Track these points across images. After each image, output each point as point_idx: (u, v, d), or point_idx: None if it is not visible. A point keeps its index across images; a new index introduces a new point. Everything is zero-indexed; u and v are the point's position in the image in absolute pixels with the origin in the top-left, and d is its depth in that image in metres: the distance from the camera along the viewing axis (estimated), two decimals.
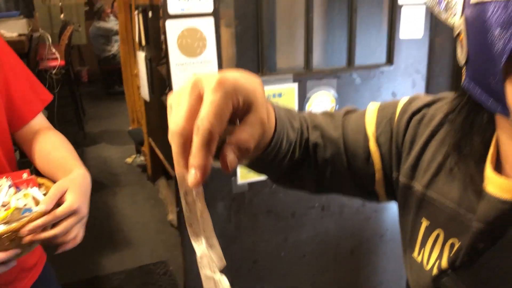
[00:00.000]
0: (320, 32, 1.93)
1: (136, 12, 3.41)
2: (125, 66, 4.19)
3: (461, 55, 0.51)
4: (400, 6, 1.91)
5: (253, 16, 1.77)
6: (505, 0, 0.42)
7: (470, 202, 0.58)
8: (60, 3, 7.06)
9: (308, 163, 0.72)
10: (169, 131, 0.44)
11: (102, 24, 6.93)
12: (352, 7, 1.88)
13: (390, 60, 1.97)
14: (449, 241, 0.60)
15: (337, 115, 0.75)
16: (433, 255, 0.62)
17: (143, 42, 3.36)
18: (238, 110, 0.44)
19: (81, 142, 5.07)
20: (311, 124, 0.73)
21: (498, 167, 0.56)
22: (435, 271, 0.61)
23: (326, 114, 0.75)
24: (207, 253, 0.46)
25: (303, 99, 1.90)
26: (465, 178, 0.58)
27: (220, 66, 1.73)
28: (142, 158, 4.47)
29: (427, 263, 0.63)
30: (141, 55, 3.42)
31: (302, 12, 1.84)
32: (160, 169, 3.94)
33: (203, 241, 0.46)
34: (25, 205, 0.86)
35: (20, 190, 0.91)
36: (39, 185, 0.95)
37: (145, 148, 4.09)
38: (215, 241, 0.46)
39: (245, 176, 1.86)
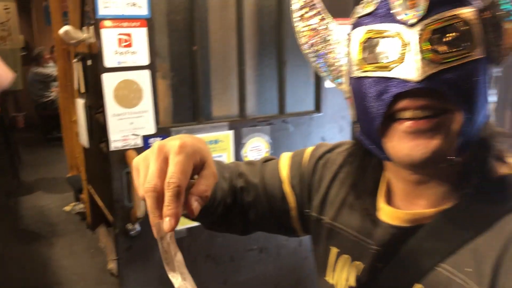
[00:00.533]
0: (253, 83, 2.06)
1: (75, 60, 3.42)
2: (64, 112, 4.14)
3: (352, 114, 0.65)
4: None
5: (188, 68, 1.87)
6: (376, 78, 0.57)
7: (368, 230, 0.70)
8: None
9: (236, 207, 0.81)
10: (141, 189, 0.53)
11: (40, 69, 6.81)
12: (281, 60, 2.03)
13: (318, 107, 2.12)
14: (355, 263, 0.72)
15: (257, 163, 0.86)
16: (343, 277, 0.73)
17: (82, 90, 3.37)
18: (196, 167, 0.55)
19: (15, 192, 4.85)
20: (235, 173, 0.83)
21: (388, 200, 0.69)
22: None
23: (248, 163, 0.86)
24: (183, 285, 0.54)
25: (238, 145, 2.00)
26: (362, 210, 0.71)
27: (156, 116, 1.80)
28: (81, 205, 4.35)
29: (338, 284, 0.74)
30: (80, 102, 3.41)
31: (235, 64, 1.97)
32: (100, 216, 3.85)
33: (179, 275, 0.55)
34: None
35: None
36: None
37: (84, 196, 4.00)
38: (188, 275, 0.56)
39: (183, 222, 1.90)
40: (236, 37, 1.94)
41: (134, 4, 1.67)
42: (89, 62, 3.23)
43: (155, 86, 1.78)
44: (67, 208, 4.47)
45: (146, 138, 1.79)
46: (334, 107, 2.14)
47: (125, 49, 1.68)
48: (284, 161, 0.84)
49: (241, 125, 1.98)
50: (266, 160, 0.87)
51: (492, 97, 0.61)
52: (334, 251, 0.76)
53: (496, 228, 0.58)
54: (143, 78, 1.73)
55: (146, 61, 1.72)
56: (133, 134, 1.76)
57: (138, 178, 0.55)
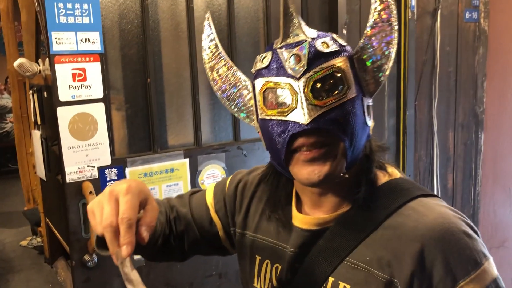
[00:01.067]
0: (208, 111, 2.13)
1: (30, 92, 3.40)
2: (19, 144, 4.06)
3: (264, 145, 0.80)
4: None
5: (142, 99, 1.93)
6: (277, 121, 0.73)
7: (284, 236, 0.84)
8: None
9: (172, 237, 0.93)
10: (99, 227, 0.65)
11: None
12: None
13: None
14: (275, 266, 0.85)
15: (185, 196, 1.01)
16: (266, 280, 0.86)
17: (39, 121, 3.34)
18: (141, 204, 0.68)
19: None
20: (168, 206, 0.96)
21: (300, 208, 0.85)
22: None
23: (178, 196, 1.02)
24: None
25: (194, 172, 2.05)
26: (278, 220, 0.86)
27: (112, 147, 1.83)
28: (38, 239, 4.24)
29: (264, 286, 0.87)
30: (36, 134, 3.37)
31: (189, 94, 2.03)
32: (58, 250, 3.76)
33: None
34: None
35: None
36: None
37: (42, 229, 3.91)
38: None
39: None
40: (190, 68, 2.01)
41: (87, 40, 1.72)
42: (45, 94, 3.22)
43: (110, 118, 1.82)
44: (24, 242, 4.35)
45: (102, 169, 1.81)
46: None
47: (80, 83, 1.72)
48: (210, 190, 1.00)
49: (196, 153, 2.04)
50: (193, 192, 1.02)
51: (370, 121, 0.77)
52: (258, 259, 0.89)
53: (384, 225, 0.73)
54: (98, 111, 1.77)
55: (100, 94, 1.76)
56: (89, 166, 1.79)
57: (95, 219, 0.67)
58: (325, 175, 0.72)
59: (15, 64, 2.40)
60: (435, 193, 2.75)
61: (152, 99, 1.92)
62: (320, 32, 0.77)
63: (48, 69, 2.31)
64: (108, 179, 1.83)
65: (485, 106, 2.99)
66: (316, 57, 0.72)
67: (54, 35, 1.66)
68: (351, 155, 0.74)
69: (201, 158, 2.06)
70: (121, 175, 1.86)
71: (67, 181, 1.75)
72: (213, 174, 2.09)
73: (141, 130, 1.94)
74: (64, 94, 1.71)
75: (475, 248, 0.69)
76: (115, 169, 1.84)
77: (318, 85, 0.71)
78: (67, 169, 1.74)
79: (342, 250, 0.75)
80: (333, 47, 0.73)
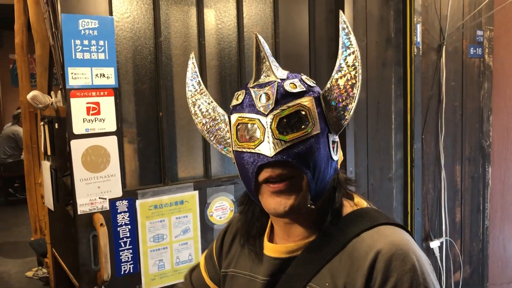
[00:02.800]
0: None
1: (42, 123, 3.46)
2: (28, 174, 4.10)
3: (239, 175, 0.84)
4: None
5: (154, 132, 1.97)
6: (247, 153, 0.79)
7: (257, 267, 0.89)
8: None
9: None
10: None
11: (17, 128, 6.70)
12: None
13: None
14: None
15: (187, 275, 1.10)
16: None
17: (49, 152, 3.38)
18: None
19: None
20: None
21: (272, 238, 0.89)
22: None
23: (184, 278, 1.11)
24: None
25: (204, 204, 2.06)
26: (252, 251, 0.90)
27: (123, 179, 1.86)
28: (44, 270, 4.22)
29: None
30: (46, 165, 3.41)
31: None
32: (64, 281, 3.74)
33: None
34: None
35: None
36: None
37: (48, 260, 3.89)
38: None
39: (148, 283, 1.92)
40: None
41: (102, 75, 1.77)
42: (56, 126, 3.28)
43: (122, 150, 1.86)
44: (29, 273, 4.32)
45: (113, 201, 1.84)
46: None
47: (94, 117, 1.77)
48: (202, 260, 1.08)
49: (206, 185, 2.06)
50: (193, 268, 1.10)
51: (336, 156, 0.83)
52: None
53: (344, 251, 0.78)
54: (111, 144, 1.81)
55: (113, 127, 1.81)
56: (100, 198, 1.81)
57: None
58: (290, 206, 0.78)
59: (29, 96, 2.46)
60: (444, 227, 2.74)
61: (163, 132, 1.96)
62: (290, 74, 0.84)
63: (60, 101, 2.37)
64: (119, 211, 1.85)
65: (492, 140, 3.01)
66: (283, 97, 0.78)
67: (71, 71, 1.72)
68: (315, 187, 0.79)
69: (210, 190, 2.08)
70: (131, 207, 1.88)
71: (79, 212, 1.77)
72: (222, 206, 2.11)
73: (152, 163, 1.97)
74: (78, 127, 1.75)
75: (423, 278, 0.73)
76: (126, 201, 1.86)
77: (284, 121, 0.77)
78: (79, 200, 1.76)
79: (306, 276, 0.80)
80: (300, 88, 0.80)
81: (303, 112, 0.78)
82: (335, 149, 0.83)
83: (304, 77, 0.84)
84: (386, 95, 2.57)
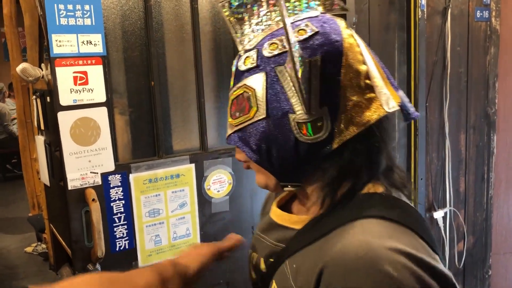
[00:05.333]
0: (213, 115, 2.07)
1: (34, 97, 3.36)
2: (23, 150, 4.03)
3: None
4: None
5: (146, 103, 1.87)
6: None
7: (268, 229, 0.83)
8: None
9: None
10: None
11: (1, 104, 6.67)
12: None
13: None
14: (254, 256, 0.85)
15: None
16: (252, 271, 0.86)
17: (42, 127, 3.30)
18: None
19: None
20: None
21: (286, 204, 0.84)
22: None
23: None
24: None
25: (201, 178, 1.99)
26: (266, 215, 0.86)
27: (115, 153, 1.78)
28: (43, 246, 4.19)
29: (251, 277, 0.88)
30: (40, 139, 3.33)
31: (194, 97, 1.98)
32: (63, 257, 3.72)
33: None
34: None
35: None
36: None
37: (46, 235, 3.86)
38: None
39: (145, 260, 1.86)
40: (195, 71, 1.96)
41: (89, 42, 1.67)
42: (48, 99, 3.18)
43: (113, 122, 1.77)
44: (29, 249, 4.31)
45: (105, 175, 1.76)
46: None
47: (81, 87, 1.67)
48: None
49: (202, 157, 1.98)
50: None
51: (307, 137, 0.67)
52: (250, 252, 0.89)
53: (326, 236, 0.66)
54: (101, 115, 1.72)
55: (103, 98, 1.71)
56: (92, 172, 1.73)
57: None
58: (259, 183, 0.77)
59: (18, 69, 2.36)
60: (448, 197, 2.68)
61: (156, 103, 1.86)
62: (270, 36, 0.71)
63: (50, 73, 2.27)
64: (111, 185, 1.77)
65: (497, 107, 2.91)
66: (237, 75, 0.73)
67: (55, 38, 1.61)
68: (273, 170, 0.72)
69: (207, 163, 2.00)
70: (125, 182, 1.80)
71: (69, 188, 1.70)
72: (219, 180, 2.04)
73: (145, 135, 1.89)
74: (65, 98, 1.66)
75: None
76: (119, 175, 1.79)
77: (235, 103, 0.72)
78: (69, 175, 1.69)
79: (290, 253, 0.73)
80: (251, 64, 0.70)
81: (246, 95, 0.70)
82: (308, 128, 0.66)
83: (270, 42, 0.69)
84: (389, 61, 2.47)
